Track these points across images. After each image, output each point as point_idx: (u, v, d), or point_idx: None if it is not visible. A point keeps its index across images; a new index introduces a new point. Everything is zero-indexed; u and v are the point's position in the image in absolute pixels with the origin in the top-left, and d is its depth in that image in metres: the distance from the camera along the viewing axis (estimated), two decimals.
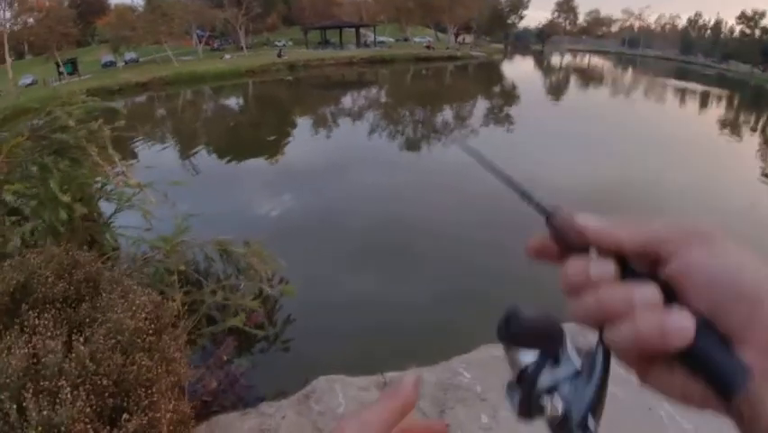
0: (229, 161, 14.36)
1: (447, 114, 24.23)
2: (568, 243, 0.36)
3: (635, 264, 0.34)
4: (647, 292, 0.31)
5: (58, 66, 34.05)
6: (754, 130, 26.52)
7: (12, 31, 36.43)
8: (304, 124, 20.85)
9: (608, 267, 0.33)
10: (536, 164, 12.93)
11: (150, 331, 2.55)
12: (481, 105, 27.07)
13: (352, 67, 40.58)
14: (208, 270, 6.15)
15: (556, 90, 36.50)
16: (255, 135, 18.46)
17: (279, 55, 39.85)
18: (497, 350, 4.28)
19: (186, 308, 4.80)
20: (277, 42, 54.19)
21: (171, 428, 2.39)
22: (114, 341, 2.39)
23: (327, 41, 51.96)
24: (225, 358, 5.25)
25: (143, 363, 2.34)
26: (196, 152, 15.15)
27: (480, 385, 3.51)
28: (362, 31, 55.51)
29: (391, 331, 5.86)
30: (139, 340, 2.48)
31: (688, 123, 26.06)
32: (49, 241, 3.93)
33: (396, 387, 0.38)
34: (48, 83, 29.64)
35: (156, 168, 8.10)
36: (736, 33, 72.79)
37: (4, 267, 2.88)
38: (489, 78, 41.54)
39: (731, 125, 26.52)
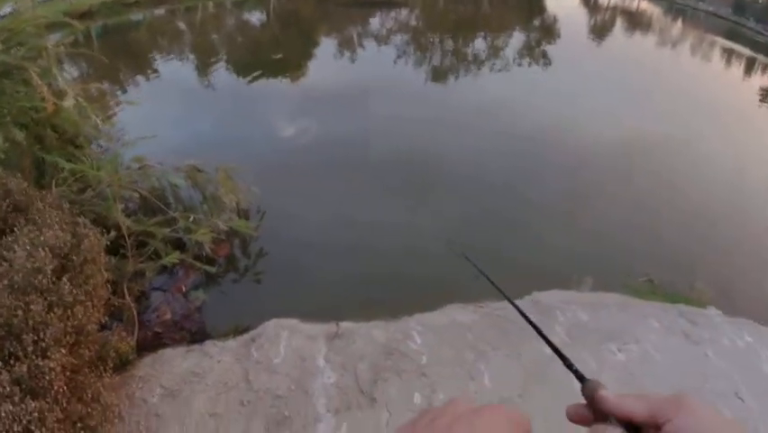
0: (246, 80, 13.63)
1: (480, 44, 22.71)
2: (594, 409, 0.49)
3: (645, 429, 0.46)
4: None
5: None
6: None
7: None
8: (327, 44, 19.66)
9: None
10: (565, 106, 12.43)
11: (49, 271, 2.29)
12: (518, 38, 25.28)
13: None
14: (178, 196, 5.88)
15: (600, 31, 33.82)
16: (274, 54, 17.44)
17: None
18: (462, 314, 4.06)
19: (133, 239, 4.55)
20: None
21: (68, 374, 2.20)
22: (6, 281, 2.15)
23: None
24: (184, 289, 5.18)
25: (33, 307, 2.10)
26: (213, 70, 14.34)
27: (426, 355, 3.26)
28: None
29: (371, 277, 5.58)
30: (35, 281, 2.23)
31: (730, 86, 24.21)
32: None
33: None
34: None
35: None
36: None
37: None
38: (529, 8, 38.48)
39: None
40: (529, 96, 14.38)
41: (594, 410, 0.48)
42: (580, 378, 0.53)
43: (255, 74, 13.60)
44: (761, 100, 22.73)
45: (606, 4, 55.72)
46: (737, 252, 6.81)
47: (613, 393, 0.48)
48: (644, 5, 65.16)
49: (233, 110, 10.85)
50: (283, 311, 4.72)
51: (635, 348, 3.40)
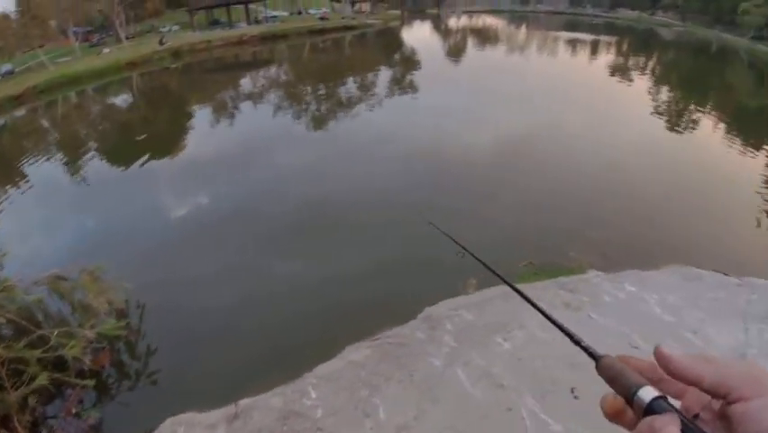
0: (118, 167, 12.79)
1: (350, 86, 23.59)
2: (621, 383, 0.43)
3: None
4: None
5: None
6: (644, 70, 28.56)
7: None
8: (200, 113, 19.26)
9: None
10: (445, 125, 13.24)
11: None
12: (384, 73, 26.67)
13: (243, 46, 38.15)
14: (47, 311, 5.36)
15: (455, 52, 36.83)
16: (147, 132, 16.63)
17: (161, 42, 36.51)
18: (356, 353, 3.93)
19: (6, 368, 4.15)
20: (162, 28, 50.02)
21: None
22: None
23: (216, 21, 48.58)
24: (74, 411, 4.77)
25: None
26: (84, 164, 13.29)
27: (321, 408, 3.06)
28: (253, 6, 52.53)
29: (268, 344, 5.32)
30: None
31: (581, 71, 27.41)
32: None
33: None
34: None
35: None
36: None
37: None
38: (388, 45, 41.08)
39: (622, 70, 28.32)
40: (404, 120, 15.14)
41: (619, 384, 0.43)
42: (592, 355, 0.48)
43: (128, 159, 12.89)
44: (610, 75, 25.94)
45: (455, 26, 61.04)
46: (612, 216, 7.46)
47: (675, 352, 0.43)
48: (490, 20, 72.29)
49: (108, 202, 10.20)
50: (181, 406, 4.38)
51: (520, 334, 3.47)
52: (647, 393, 0.42)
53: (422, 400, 2.91)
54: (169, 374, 5.15)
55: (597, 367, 0.47)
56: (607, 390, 0.45)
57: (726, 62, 37.76)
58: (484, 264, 0.90)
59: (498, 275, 0.80)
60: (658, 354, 0.44)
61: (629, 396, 0.43)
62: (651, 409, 0.41)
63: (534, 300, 0.62)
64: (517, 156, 10.85)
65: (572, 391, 3.07)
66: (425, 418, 2.78)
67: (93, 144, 15.82)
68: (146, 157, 12.68)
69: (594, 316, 3.88)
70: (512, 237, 6.41)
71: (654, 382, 0.43)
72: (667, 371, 0.44)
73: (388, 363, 3.34)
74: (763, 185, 10.01)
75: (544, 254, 5.45)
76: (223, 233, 7.94)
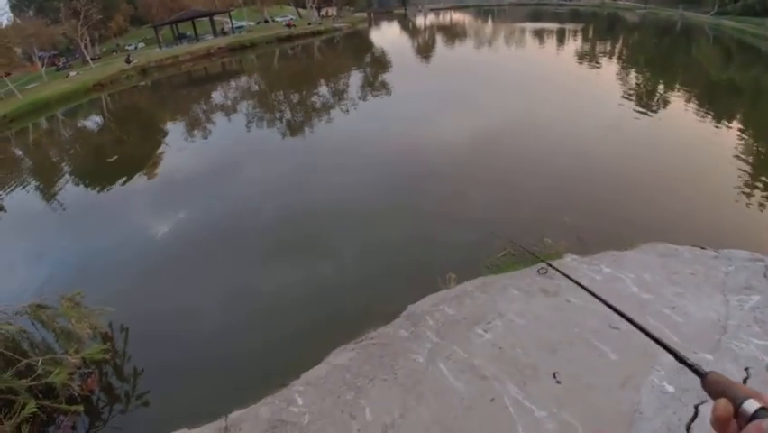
0: (95, 190, 12.55)
1: (323, 91, 23.55)
2: (728, 395, 0.48)
3: None
4: None
5: None
6: (611, 55, 29.05)
7: None
8: (172, 129, 19.02)
9: None
10: (420, 122, 13.30)
11: None
12: (355, 76, 26.68)
13: (211, 59, 37.85)
14: (32, 340, 5.29)
15: (425, 50, 37.02)
16: (119, 153, 16.33)
17: (128, 61, 36.01)
18: (341, 356, 3.93)
19: None
20: (128, 46, 49.31)
21: None
22: None
23: (182, 35, 48.07)
24: None
25: None
26: (60, 189, 13.01)
27: (308, 414, 3.07)
28: (218, 18, 52.09)
29: (253, 356, 5.30)
30: None
31: (549, 61, 27.77)
32: None
33: None
34: None
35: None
36: None
37: None
38: (357, 48, 41.13)
39: (589, 56, 28.79)
40: (380, 121, 15.17)
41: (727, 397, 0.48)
42: (698, 372, 0.52)
43: (101, 181, 12.71)
44: (578, 62, 26.35)
45: (422, 24, 61.32)
46: (587, 200, 7.59)
47: None
48: (456, 16, 72.70)
49: (83, 227, 10.08)
50: (173, 425, 4.34)
51: (500, 323, 3.52)
52: (752, 405, 0.48)
53: (407, 397, 2.94)
54: (159, 395, 5.14)
55: (703, 382, 0.53)
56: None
57: (691, 40, 38.55)
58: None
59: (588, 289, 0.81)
60: None
61: (735, 406, 0.49)
62: (756, 416, 0.47)
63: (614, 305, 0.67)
64: (492, 148, 11.00)
65: (554, 376, 3.13)
66: (411, 415, 2.81)
67: (65, 169, 15.55)
68: (119, 179, 12.50)
69: (572, 300, 3.94)
70: (489, 227, 6.49)
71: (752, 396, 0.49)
72: None
73: (373, 363, 3.36)
74: (734, 158, 10.30)
75: (522, 242, 5.53)
76: (202, 250, 7.89)
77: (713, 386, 0.51)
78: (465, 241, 6.32)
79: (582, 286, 0.77)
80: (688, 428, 2.57)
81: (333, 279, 6.27)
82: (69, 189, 12.83)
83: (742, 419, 0.48)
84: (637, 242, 5.24)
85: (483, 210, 7.38)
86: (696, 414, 2.64)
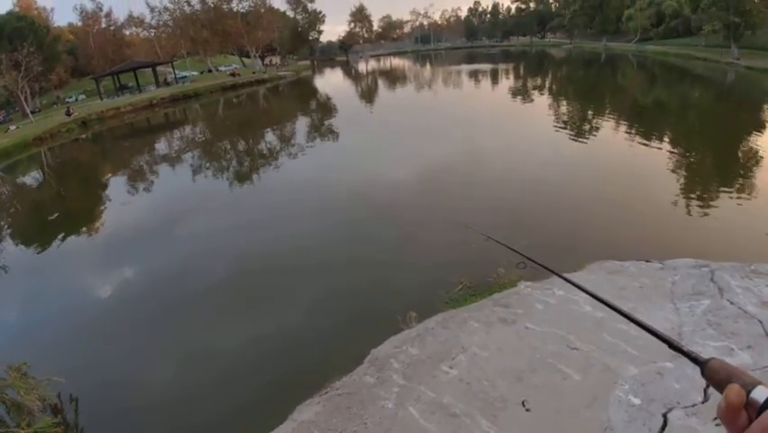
0: (34, 251, 11.66)
1: (270, 137, 23.54)
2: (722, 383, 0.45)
3: None
4: None
5: None
6: (542, 90, 30.95)
7: None
8: (115, 183, 18.30)
9: None
10: (366, 165, 13.42)
11: None
12: (302, 121, 26.95)
13: (154, 109, 37.27)
14: None
15: (368, 94, 38.09)
16: (60, 210, 15.40)
17: (69, 113, 34.79)
18: (306, 411, 3.76)
19: None
20: (68, 98, 47.76)
21: None
22: None
23: (124, 86, 47.25)
24: None
25: None
26: None
27: None
28: (161, 68, 51.67)
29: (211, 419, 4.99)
30: None
31: (485, 99, 29.23)
32: None
33: None
34: None
35: None
36: (513, 12, 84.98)
37: None
38: (302, 94, 41.81)
39: (522, 92, 30.55)
40: (327, 167, 15.28)
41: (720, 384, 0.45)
42: (696, 360, 0.49)
43: (41, 241, 11.90)
44: (512, 98, 27.89)
45: (365, 70, 63.43)
46: (531, 227, 7.85)
47: None
48: (396, 61, 75.81)
49: (23, 291, 9.32)
50: None
51: (464, 357, 3.51)
52: (762, 392, 0.44)
53: None
54: None
55: (703, 372, 0.48)
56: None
57: (616, 68, 41.75)
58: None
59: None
60: None
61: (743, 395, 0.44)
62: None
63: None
64: (438, 188, 11.31)
65: (523, 405, 3.12)
66: None
67: (4, 229, 14.51)
68: (60, 237, 11.80)
69: (530, 325, 4.01)
70: (442, 262, 6.58)
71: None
72: None
73: (341, 415, 3.24)
74: (668, 171, 11.07)
75: (475, 274, 5.62)
76: (151, 310, 7.48)
77: (715, 374, 0.47)
78: (421, 280, 6.35)
79: (590, 293, 0.76)
80: None
81: (291, 332, 6.09)
82: (9, 250, 11.97)
83: (751, 408, 0.44)
84: (585, 262, 5.41)
85: (435, 248, 7.49)
86: (665, 423, 2.69)
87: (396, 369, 3.55)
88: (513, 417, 2.97)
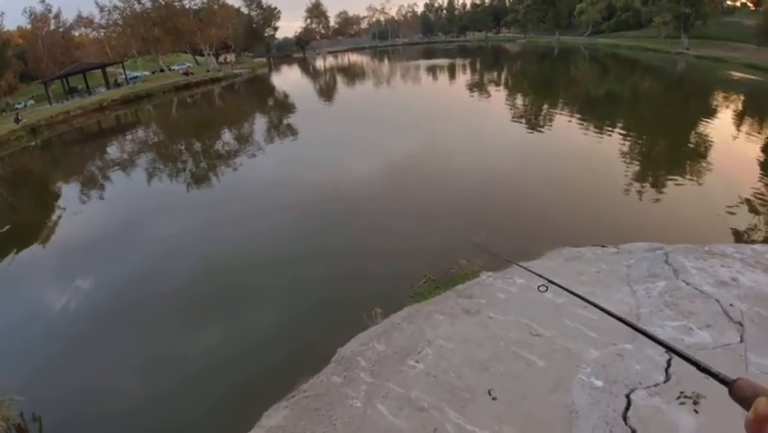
0: None
1: (226, 136, 22.94)
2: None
3: None
4: None
5: None
6: (498, 84, 31.47)
7: None
8: (67, 191, 17.39)
9: None
10: (327, 161, 13.25)
11: None
12: (259, 120, 26.42)
13: (105, 112, 35.69)
14: None
15: (326, 91, 37.74)
16: (11, 222, 14.42)
17: (17, 120, 32.79)
18: (275, 417, 3.68)
19: None
20: (17, 105, 45.07)
21: None
22: None
23: (73, 88, 44.99)
24: None
25: None
26: None
27: None
28: (111, 69, 49.55)
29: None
30: None
31: (444, 93, 29.48)
32: None
33: None
34: None
35: None
36: (469, 7, 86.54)
37: None
38: (259, 92, 41.04)
39: (479, 86, 30.97)
40: (287, 164, 15.05)
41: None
42: (723, 381, 0.50)
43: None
44: (470, 92, 28.24)
45: (322, 66, 62.74)
46: (491, 218, 7.98)
47: None
48: (354, 57, 75.46)
49: None
50: None
51: (430, 350, 3.53)
52: None
53: None
54: None
55: (730, 390, 0.50)
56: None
57: (569, 61, 42.92)
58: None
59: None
60: None
61: None
62: None
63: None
64: (400, 181, 11.34)
65: (490, 394, 3.16)
66: None
67: None
68: (12, 250, 11.11)
69: (493, 315, 4.06)
70: (406, 258, 6.59)
71: None
72: None
73: (309, 418, 3.19)
74: (620, 159, 11.47)
75: (439, 267, 5.65)
76: (111, 320, 7.16)
77: (743, 392, 0.49)
78: (385, 274, 6.35)
79: (583, 298, 0.77)
80: (624, 417, 2.67)
81: (256, 334, 5.96)
82: None
83: None
84: (544, 250, 5.52)
85: (399, 241, 7.50)
86: (629, 403, 2.75)
87: (363, 367, 3.52)
88: (481, 406, 2.99)
